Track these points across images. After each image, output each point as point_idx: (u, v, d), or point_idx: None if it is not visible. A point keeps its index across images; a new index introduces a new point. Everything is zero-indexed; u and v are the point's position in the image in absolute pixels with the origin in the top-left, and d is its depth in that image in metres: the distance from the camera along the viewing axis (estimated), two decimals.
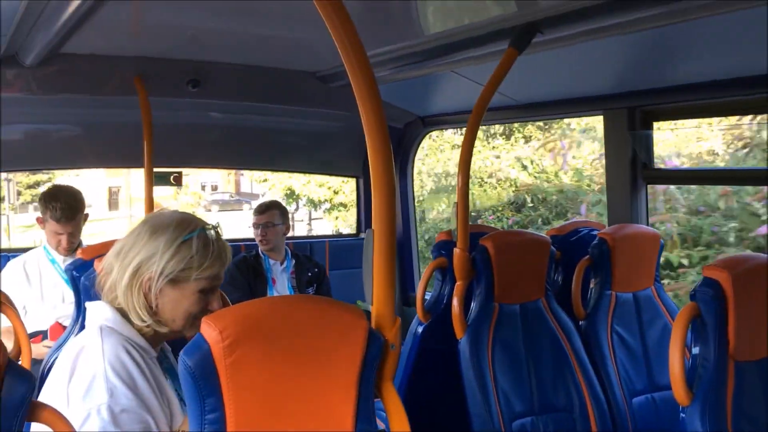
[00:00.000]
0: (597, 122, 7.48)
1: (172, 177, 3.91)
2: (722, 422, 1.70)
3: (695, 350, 1.78)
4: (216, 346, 1.23)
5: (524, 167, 8.27)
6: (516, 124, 8.85)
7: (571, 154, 7.78)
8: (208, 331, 1.24)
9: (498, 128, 9.24)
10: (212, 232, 1.58)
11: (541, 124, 8.42)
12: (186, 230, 1.54)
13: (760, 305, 1.78)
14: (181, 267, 1.52)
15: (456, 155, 10.30)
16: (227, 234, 1.71)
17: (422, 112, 4.15)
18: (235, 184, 28.45)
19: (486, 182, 8.76)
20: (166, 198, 20.83)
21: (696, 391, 1.72)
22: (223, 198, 26.76)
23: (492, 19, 2.37)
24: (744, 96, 2.55)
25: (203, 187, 27.41)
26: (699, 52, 2.45)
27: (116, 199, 26.51)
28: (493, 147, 9.33)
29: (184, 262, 1.52)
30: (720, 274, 1.75)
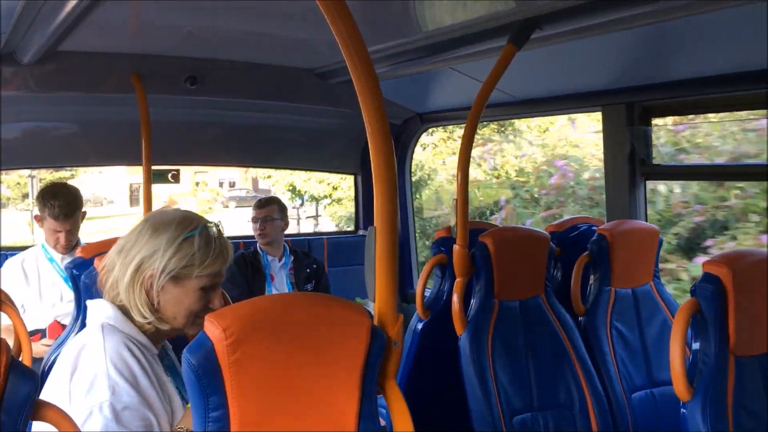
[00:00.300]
0: (550, 123, 7.74)
1: (170, 174, 3.90)
2: (723, 417, 1.71)
3: (695, 346, 1.79)
4: (219, 344, 1.23)
5: (479, 165, 8.61)
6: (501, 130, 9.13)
7: (512, 155, 8.28)
8: (212, 329, 1.24)
9: (460, 131, 9.46)
10: (214, 229, 1.58)
11: (495, 125, 8.74)
12: (188, 228, 1.55)
13: (760, 300, 1.79)
14: (182, 264, 1.52)
15: (421, 154, 10.46)
16: (236, 230, 1.71)
17: (420, 109, 4.14)
18: (252, 181, 28.58)
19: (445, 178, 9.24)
20: (185, 195, 20.91)
21: (697, 386, 1.73)
22: (240, 194, 26.90)
23: (490, 15, 2.37)
24: (743, 91, 2.55)
25: (221, 184, 27.73)
26: (698, 48, 2.45)
27: (137, 196, 26.67)
28: (454, 151, 9.61)
29: (185, 260, 1.52)
30: (720, 270, 1.76)
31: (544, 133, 8.28)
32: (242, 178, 28.59)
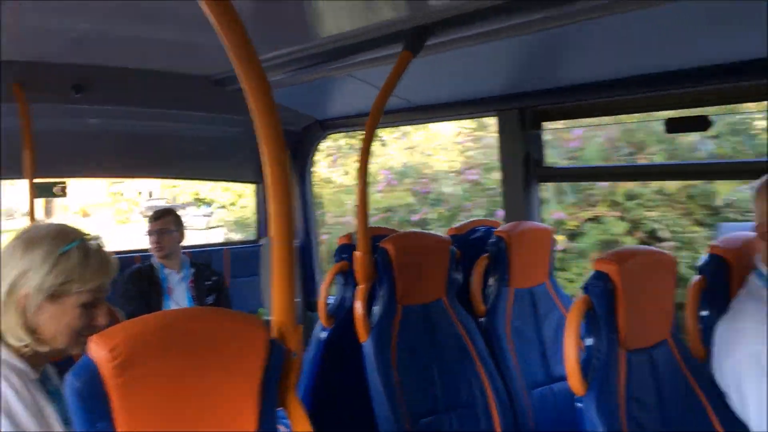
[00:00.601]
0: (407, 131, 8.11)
1: (56, 188, 3.70)
2: (615, 409, 1.77)
3: (589, 341, 1.85)
4: (105, 366, 1.16)
5: (346, 172, 8.90)
6: (355, 138, 9.41)
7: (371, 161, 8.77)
8: (96, 349, 1.17)
9: (335, 140, 9.79)
10: (94, 242, 1.50)
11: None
12: (64, 242, 1.45)
13: (647, 295, 1.88)
14: (60, 281, 1.43)
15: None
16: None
17: (321, 116, 4.12)
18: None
19: (315, 183, 9.66)
20: (102, 206, 20.13)
21: (590, 381, 1.79)
22: (159, 204, 25.97)
23: (386, 22, 2.37)
24: (630, 95, 2.68)
25: (139, 194, 26.77)
26: (588, 54, 2.54)
27: (51, 207, 25.28)
28: (322, 158, 9.92)
29: (63, 276, 1.43)
30: (609, 267, 1.83)
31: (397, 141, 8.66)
32: (161, 187, 27.72)
